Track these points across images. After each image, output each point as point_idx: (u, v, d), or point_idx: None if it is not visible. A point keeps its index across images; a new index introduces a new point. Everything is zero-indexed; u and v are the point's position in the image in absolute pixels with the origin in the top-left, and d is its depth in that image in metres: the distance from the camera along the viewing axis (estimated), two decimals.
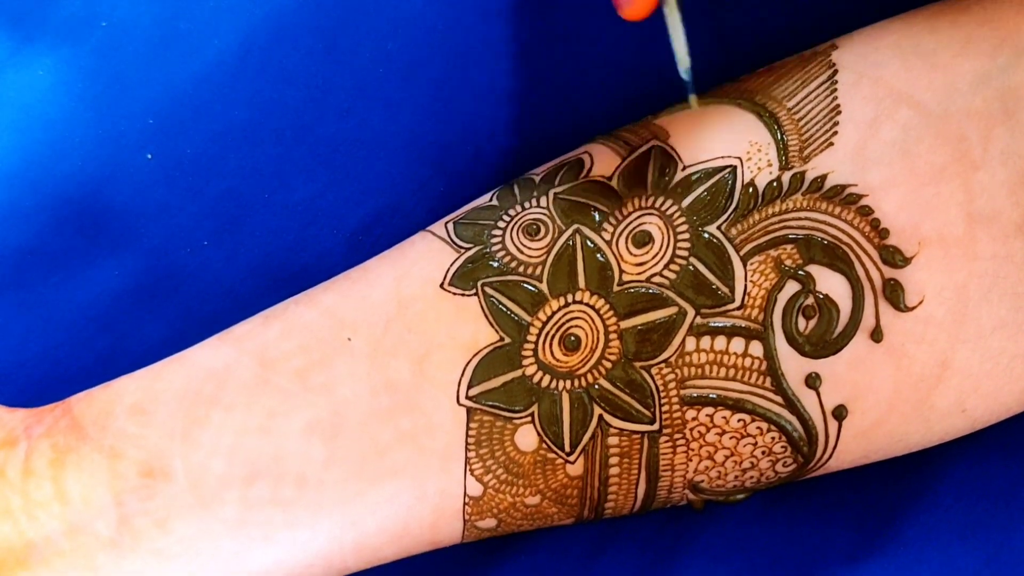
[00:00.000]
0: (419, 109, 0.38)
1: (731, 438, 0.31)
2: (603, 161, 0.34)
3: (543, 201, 0.33)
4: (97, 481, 0.30)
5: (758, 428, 0.31)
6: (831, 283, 0.31)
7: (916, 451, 0.34)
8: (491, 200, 0.35)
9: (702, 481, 0.32)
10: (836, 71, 0.33)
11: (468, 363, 0.31)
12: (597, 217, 0.32)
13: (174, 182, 0.38)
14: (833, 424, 0.31)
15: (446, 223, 0.34)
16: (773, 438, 0.31)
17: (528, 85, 0.39)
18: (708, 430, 0.31)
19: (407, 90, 0.38)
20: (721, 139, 0.33)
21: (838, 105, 0.32)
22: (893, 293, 0.30)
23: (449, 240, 0.33)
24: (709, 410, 0.31)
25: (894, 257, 0.31)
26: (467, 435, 0.31)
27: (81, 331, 0.38)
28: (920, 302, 0.31)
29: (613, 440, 0.31)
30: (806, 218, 0.31)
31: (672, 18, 0.32)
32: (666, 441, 0.31)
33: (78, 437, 0.31)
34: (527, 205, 0.33)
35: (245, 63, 0.38)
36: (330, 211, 0.39)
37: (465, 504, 0.31)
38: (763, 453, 0.32)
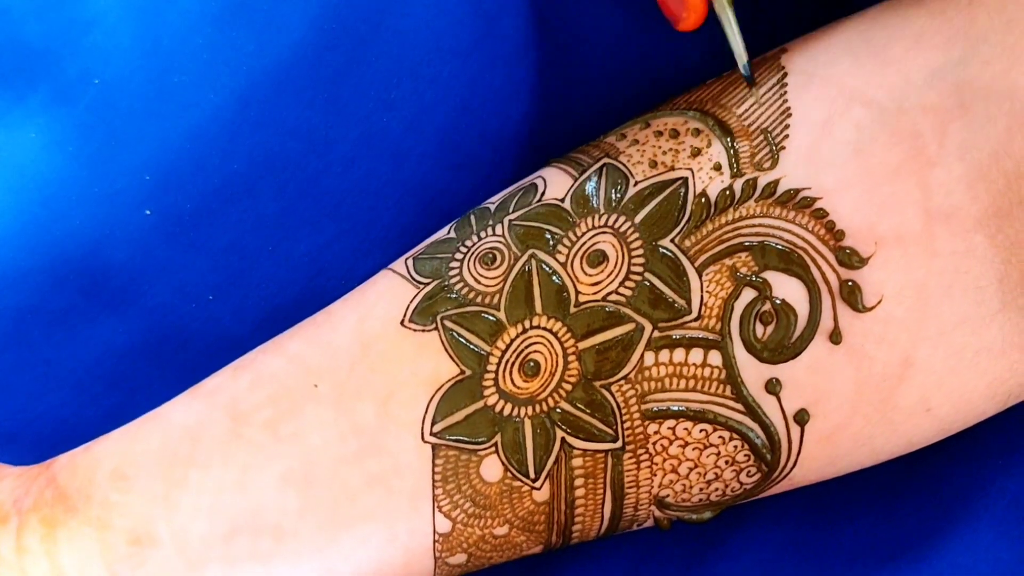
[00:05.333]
0: (425, 158, 0.38)
1: (694, 449, 0.31)
2: (556, 184, 0.34)
3: (498, 229, 0.33)
4: (89, 554, 0.31)
5: (720, 437, 0.31)
6: (787, 288, 0.31)
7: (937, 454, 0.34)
8: (449, 232, 0.35)
9: (667, 496, 0.32)
10: (786, 73, 0.33)
11: (431, 399, 0.31)
12: (551, 240, 0.32)
13: (174, 238, 0.38)
14: (795, 429, 0.31)
15: (406, 259, 0.34)
16: (736, 447, 0.31)
17: (535, 132, 0.39)
18: (671, 443, 0.31)
19: (412, 139, 0.38)
20: (672, 151, 0.33)
21: (788, 107, 0.32)
22: (851, 295, 0.30)
23: (409, 276, 0.33)
24: (671, 423, 0.31)
25: (850, 259, 0.30)
26: (433, 472, 0.31)
27: (88, 389, 0.39)
28: (879, 302, 0.30)
29: (577, 461, 0.31)
30: (760, 224, 0.31)
31: (726, 19, 0.33)
32: (630, 457, 0.31)
33: (65, 509, 0.31)
34: (483, 235, 0.34)
35: (244, 116, 0.38)
36: (337, 262, 0.39)
37: (435, 541, 0.32)
38: (726, 463, 0.32)
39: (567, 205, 0.33)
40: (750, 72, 0.33)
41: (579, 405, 0.31)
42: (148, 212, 0.38)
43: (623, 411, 0.31)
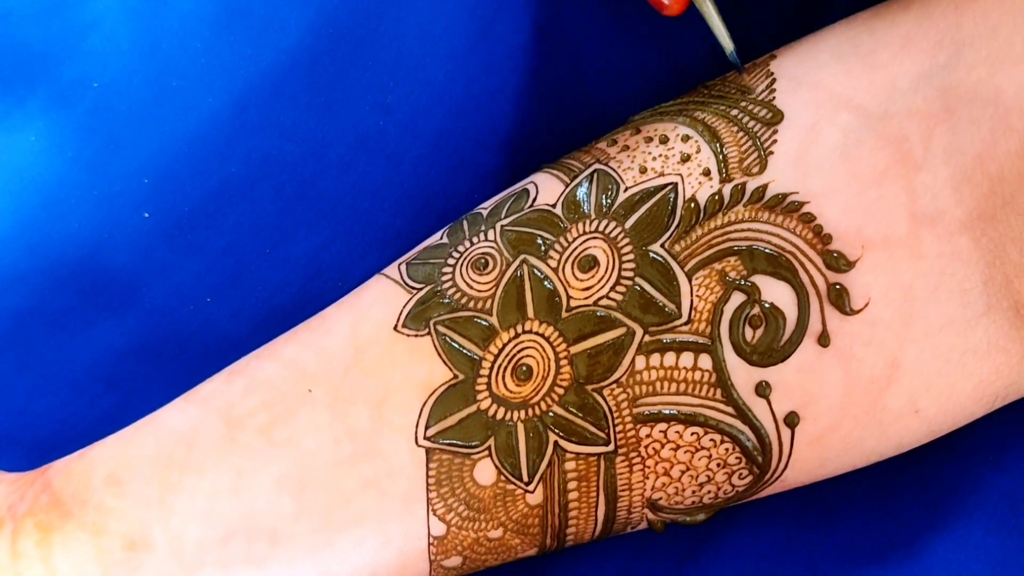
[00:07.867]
0: (421, 160, 0.38)
1: (686, 452, 0.32)
2: (547, 189, 0.34)
3: (491, 235, 0.34)
4: (85, 559, 0.31)
5: (711, 440, 0.31)
6: (776, 292, 0.31)
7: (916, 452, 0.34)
8: (441, 238, 0.35)
9: (660, 499, 0.32)
10: (774, 79, 0.33)
11: (425, 403, 0.32)
12: (543, 245, 0.33)
13: (173, 240, 0.38)
14: (786, 432, 0.31)
15: (399, 264, 0.35)
16: (727, 449, 0.32)
17: (530, 135, 0.39)
18: (663, 446, 0.32)
19: (408, 142, 0.38)
20: (661, 157, 0.33)
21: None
22: (838, 298, 0.31)
23: (402, 282, 0.34)
24: (663, 426, 0.31)
25: (838, 262, 0.31)
26: (427, 475, 0.31)
27: (86, 390, 0.39)
28: (866, 304, 0.31)
29: (570, 465, 0.32)
30: (748, 229, 0.31)
31: (706, 9, 0.33)
32: (622, 461, 0.32)
33: (61, 515, 0.32)
34: (475, 240, 0.34)
35: (241, 120, 0.38)
36: (334, 264, 0.39)
37: (430, 544, 0.32)
38: (718, 465, 0.32)
39: (558, 211, 0.33)
40: (737, 58, 0.33)
41: (571, 409, 0.31)
42: (146, 215, 0.38)
43: (615, 415, 0.31)
